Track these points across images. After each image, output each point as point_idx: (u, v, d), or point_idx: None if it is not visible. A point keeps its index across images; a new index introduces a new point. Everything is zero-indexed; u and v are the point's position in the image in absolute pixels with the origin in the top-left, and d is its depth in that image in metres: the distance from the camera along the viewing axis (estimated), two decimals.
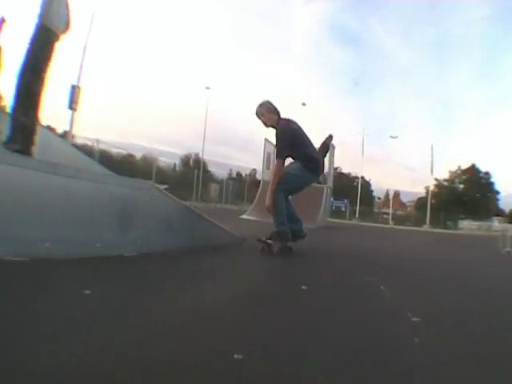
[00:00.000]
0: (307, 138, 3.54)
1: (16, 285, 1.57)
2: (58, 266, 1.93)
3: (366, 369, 1.04)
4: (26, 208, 2.04)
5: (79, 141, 14.52)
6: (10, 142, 3.39)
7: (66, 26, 3.69)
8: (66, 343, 1.02)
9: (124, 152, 19.57)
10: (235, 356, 1.01)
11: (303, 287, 2.02)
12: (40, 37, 3.41)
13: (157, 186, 2.74)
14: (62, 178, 2.26)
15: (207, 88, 28.94)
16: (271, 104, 3.49)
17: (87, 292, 1.52)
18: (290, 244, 3.40)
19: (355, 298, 1.96)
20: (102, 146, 15.72)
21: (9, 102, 3.73)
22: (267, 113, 3.45)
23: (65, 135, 13.30)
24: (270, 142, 12.23)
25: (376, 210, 37.84)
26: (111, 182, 2.64)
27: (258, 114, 3.49)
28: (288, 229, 3.34)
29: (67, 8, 3.64)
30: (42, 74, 3.47)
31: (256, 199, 11.15)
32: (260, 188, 11.11)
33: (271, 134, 3.51)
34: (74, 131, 13.79)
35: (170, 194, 2.87)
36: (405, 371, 1.05)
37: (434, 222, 26.81)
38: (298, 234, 3.52)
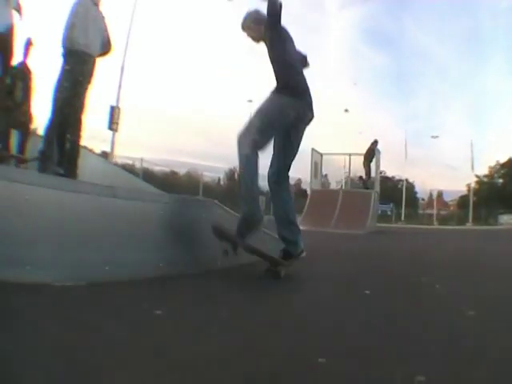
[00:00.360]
0: (298, 60, 2.71)
1: (81, 310, 1.51)
2: (123, 289, 1.90)
3: (435, 359, 1.15)
4: (80, 232, 2.00)
5: (120, 160, 15.00)
6: (46, 165, 3.34)
7: (106, 48, 3.65)
8: (150, 368, 1.00)
9: (166, 169, 20.05)
10: (319, 360, 1.10)
11: (366, 292, 2.13)
12: (72, 59, 3.37)
13: (216, 202, 2.57)
14: (120, 200, 2.26)
15: (249, 101, 28.52)
16: (260, 14, 2.67)
17: (158, 312, 1.51)
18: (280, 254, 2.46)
19: (415, 298, 2.11)
20: (143, 165, 16.13)
21: (40, 124, 3.73)
22: (255, 25, 2.65)
23: (104, 155, 13.75)
24: (316, 151, 12.11)
25: (420, 211, 36.25)
26: (171, 201, 2.63)
27: (244, 27, 2.70)
28: (258, 211, 2.36)
29: (105, 30, 3.60)
30: (78, 96, 3.43)
31: (305, 209, 11.27)
32: (308, 198, 11.30)
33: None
34: (115, 151, 14.21)
35: (230, 210, 2.70)
36: (466, 358, 1.17)
37: (476, 220, 25.87)
38: (291, 250, 2.46)
